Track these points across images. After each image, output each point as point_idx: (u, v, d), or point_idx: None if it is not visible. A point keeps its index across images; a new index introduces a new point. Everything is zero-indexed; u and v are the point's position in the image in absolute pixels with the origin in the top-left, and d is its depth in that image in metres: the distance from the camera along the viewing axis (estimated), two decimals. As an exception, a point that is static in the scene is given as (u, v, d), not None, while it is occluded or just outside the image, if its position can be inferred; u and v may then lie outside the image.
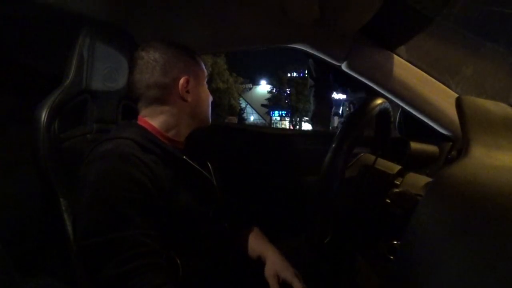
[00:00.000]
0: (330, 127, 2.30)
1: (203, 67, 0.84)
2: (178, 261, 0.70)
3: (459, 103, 0.53)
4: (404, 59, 0.91)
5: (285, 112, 25.09)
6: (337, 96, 2.20)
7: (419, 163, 0.89)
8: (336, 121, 2.33)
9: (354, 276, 0.89)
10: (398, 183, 0.79)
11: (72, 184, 0.79)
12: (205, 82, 0.84)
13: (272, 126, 19.46)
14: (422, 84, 0.89)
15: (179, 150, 0.78)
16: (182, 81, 0.76)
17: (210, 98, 0.86)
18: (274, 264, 0.80)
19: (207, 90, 0.85)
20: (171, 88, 0.76)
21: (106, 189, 0.62)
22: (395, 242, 0.69)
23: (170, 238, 0.68)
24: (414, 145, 0.89)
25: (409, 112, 0.92)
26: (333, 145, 0.61)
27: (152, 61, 0.75)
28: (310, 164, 1.36)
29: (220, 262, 0.80)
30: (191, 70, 0.79)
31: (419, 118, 0.90)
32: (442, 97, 0.88)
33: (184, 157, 0.76)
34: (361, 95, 1.92)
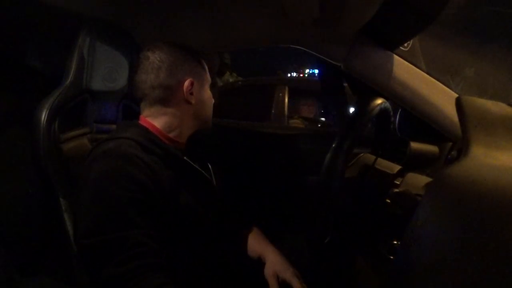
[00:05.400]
0: None
1: (207, 69, 0.84)
2: (178, 262, 0.70)
3: (459, 103, 0.53)
4: (404, 59, 0.91)
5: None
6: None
7: (419, 163, 0.89)
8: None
9: (354, 276, 0.89)
10: (398, 183, 0.79)
11: (72, 184, 0.79)
12: (208, 85, 0.85)
13: (272, 126, 19.35)
14: (422, 85, 0.89)
15: (180, 151, 0.78)
16: (186, 83, 0.76)
17: (212, 101, 0.86)
18: (274, 264, 0.80)
19: (210, 93, 0.85)
20: (175, 90, 0.76)
21: (107, 188, 0.62)
22: (395, 242, 0.69)
23: (171, 238, 0.68)
24: (414, 145, 0.89)
25: (409, 112, 0.91)
26: (333, 145, 0.61)
27: (158, 62, 0.75)
28: (310, 164, 1.37)
29: (220, 262, 0.80)
30: (196, 73, 0.79)
31: (419, 118, 0.90)
32: (442, 97, 0.88)
33: (185, 157, 0.76)
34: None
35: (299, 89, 2.51)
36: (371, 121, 0.66)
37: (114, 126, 0.92)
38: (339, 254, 0.93)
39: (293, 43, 0.99)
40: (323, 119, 2.55)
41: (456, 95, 0.81)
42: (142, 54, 0.77)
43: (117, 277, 0.57)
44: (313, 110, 2.54)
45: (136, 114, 0.80)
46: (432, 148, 0.90)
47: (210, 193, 0.82)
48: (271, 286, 0.76)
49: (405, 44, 0.91)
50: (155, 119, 0.77)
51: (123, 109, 0.97)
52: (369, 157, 0.98)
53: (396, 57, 0.90)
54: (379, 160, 0.86)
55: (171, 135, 0.78)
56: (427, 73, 0.90)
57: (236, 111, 2.36)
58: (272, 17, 0.93)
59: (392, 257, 0.70)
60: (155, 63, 0.75)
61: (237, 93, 2.62)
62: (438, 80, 0.89)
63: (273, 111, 2.32)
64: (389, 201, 0.73)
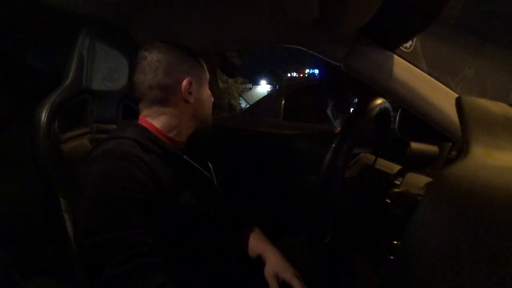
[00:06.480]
0: None
1: (205, 68, 0.84)
2: (178, 261, 0.70)
3: (459, 103, 0.53)
4: (404, 59, 0.91)
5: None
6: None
7: (419, 163, 0.89)
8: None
9: (354, 276, 0.89)
10: (398, 183, 0.79)
11: (72, 184, 0.79)
12: (207, 84, 0.85)
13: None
14: (422, 84, 0.89)
15: (180, 150, 0.78)
16: (184, 82, 0.76)
17: (212, 100, 0.86)
18: (274, 264, 0.80)
19: (209, 92, 0.86)
20: (173, 89, 0.76)
21: (107, 188, 0.62)
22: (395, 242, 0.69)
23: (171, 237, 0.68)
24: (414, 145, 0.89)
25: (409, 112, 0.91)
26: (333, 145, 0.61)
27: (155, 62, 0.75)
28: (310, 164, 1.36)
29: (220, 262, 0.80)
30: (194, 72, 0.79)
31: (419, 118, 0.90)
32: (442, 97, 0.88)
33: (185, 156, 0.76)
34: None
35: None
36: (371, 121, 0.66)
37: (114, 126, 0.92)
38: (339, 254, 0.93)
39: (293, 43, 0.99)
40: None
41: (456, 95, 0.81)
42: (139, 54, 0.77)
43: (117, 277, 0.57)
44: None
45: (136, 114, 0.80)
46: (432, 148, 0.90)
47: (211, 191, 0.82)
48: (271, 286, 0.76)
49: (406, 44, 0.91)
50: (154, 119, 0.77)
51: (123, 109, 0.97)
52: (369, 157, 0.98)
53: (396, 57, 0.90)
54: (379, 160, 0.86)
55: (170, 134, 0.78)
56: (427, 73, 0.90)
57: (309, 113, 2.25)
58: (272, 17, 0.93)
59: (392, 257, 0.70)
60: (152, 63, 0.75)
61: (309, 94, 2.39)
62: (438, 80, 0.89)
63: None
64: (389, 201, 0.73)
